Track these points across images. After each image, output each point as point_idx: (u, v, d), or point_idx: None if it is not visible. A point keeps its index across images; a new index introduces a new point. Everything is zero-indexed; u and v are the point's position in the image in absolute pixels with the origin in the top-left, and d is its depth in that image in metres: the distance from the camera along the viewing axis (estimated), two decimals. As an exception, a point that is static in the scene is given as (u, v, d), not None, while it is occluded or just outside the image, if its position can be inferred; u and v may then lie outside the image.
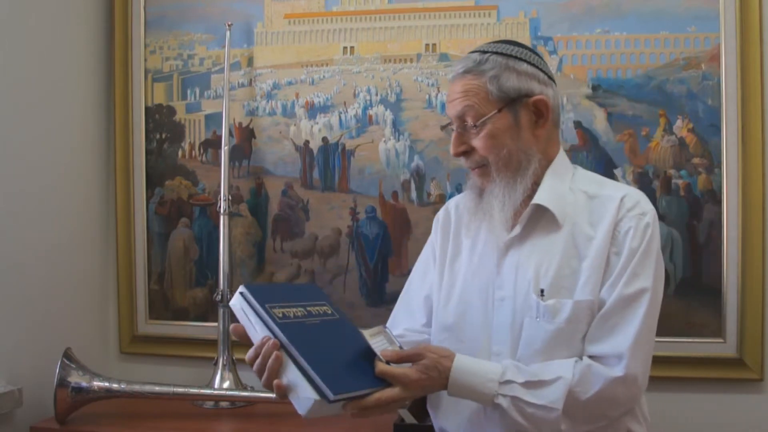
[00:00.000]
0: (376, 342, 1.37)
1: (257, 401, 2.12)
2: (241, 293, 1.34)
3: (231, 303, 1.37)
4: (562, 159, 1.53)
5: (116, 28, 2.36)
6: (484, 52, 1.50)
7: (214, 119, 2.33)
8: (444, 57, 2.18)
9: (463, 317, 1.53)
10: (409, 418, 1.82)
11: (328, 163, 2.26)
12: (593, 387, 1.35)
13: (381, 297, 2.21)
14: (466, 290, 1.54)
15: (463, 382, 1.37)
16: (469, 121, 1.46)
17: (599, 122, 2.07)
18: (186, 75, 2.36)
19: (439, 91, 2.18)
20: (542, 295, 1.43)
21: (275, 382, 1.28)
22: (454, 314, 1.54)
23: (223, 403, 2.13)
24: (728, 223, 1.98)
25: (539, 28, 2.11)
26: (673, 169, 2.03)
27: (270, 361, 1.28)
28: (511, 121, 1.47)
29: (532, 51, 1.53)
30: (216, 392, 2.13)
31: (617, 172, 2.06)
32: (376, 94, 2.23)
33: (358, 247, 2.23)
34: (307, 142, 2.27)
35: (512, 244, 1.49)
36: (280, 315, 1.32)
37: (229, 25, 2.25)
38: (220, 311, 2.17)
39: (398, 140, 2.20)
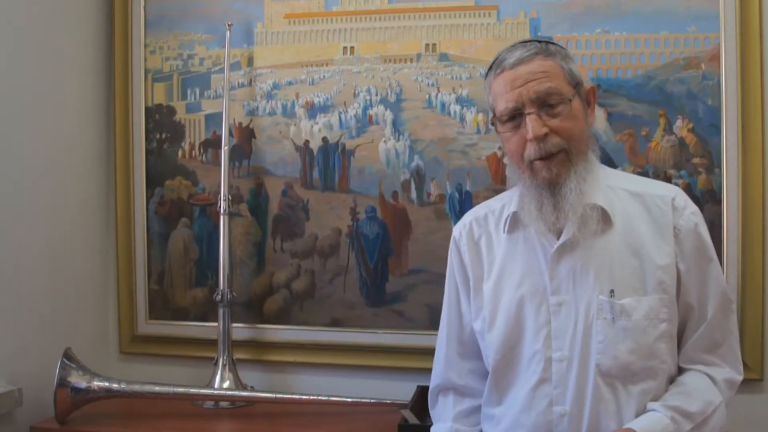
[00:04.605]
0: None
1: (257, 401, 2.13)
2: None
3: None
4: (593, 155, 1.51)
5: (116, 28, 2.36)
6: (533, 41, 1.47)
7: (214, 119, 2.33)
8: (444, 57, 2.18)
9: (514, 331, 1.50)
10: (413, 419, 1.82)
11: (328, 163, 2.26)
12: (731, 395, 1.50)
13: (381, 297, 2.21)
14: (512, 304, 1.51)
15: None
16: (554, 99, 1.41)
17: (599, 122, 2.06)
18: (186, 75, 2.36)
19: (439, 90, 2.18)
20: (613, 295, 1.43)
21: None
22: (505, 332, 1.51)
23: (223, 403, 2.13)
24: (728, 223, 1.98)
25: (539, 28, 2.11)
26: (673, 169, 2.03)
27: None
28: (581, 106, 1.46)
29: None
30: (216, 392, 2.13)
31: (617, 172, 2.06)
32: (376, 94, 2.22)
33: (358, 247, 2.23)
34: (307, 142, 2.27)
35: (564, 248, 1.46)
36: None
37: (229, 25, 2.25)
38: (220, 311, 2.17)
39: (398, 140, 2.20)
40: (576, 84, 1.45)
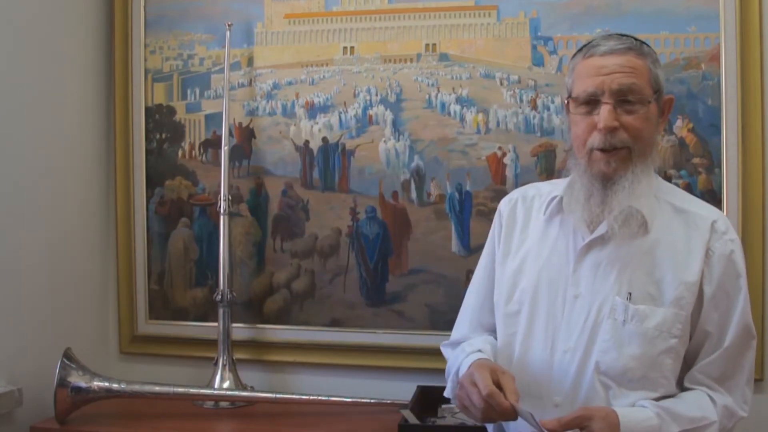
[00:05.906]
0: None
1: (257, 401, 2.13)
2: None
3: None
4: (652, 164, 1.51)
5: (116, 28, 2.36)
6: (629, 37, 1.47)
7: (214, 119, 2.33)
8: (444, 57, 2.18)
9: (526, 315, 1.51)
10: (413, 419, 1.82)
11: (328, 163, 2.26)
12: (728, 425, 1.44)
13: (381, 297, 2.21)
14: (532, 285, 1.52)
15: None
16: (634, 97, 1.41)
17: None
18: (186, 75, 2.36)
19: (439, 90, 2.18)
20: (630, 298, 1.42)
21: None
22: (516, 314, 1.52)
23: (223, 403, 2.13)
24: (728, 223, 1.98)
25: (539, 28, 2.11)
26: (673, 169, 2.03)
27: None
28: (657, 112, 1.47)
29: None
30: (216, 392, 2.13)
31: (617, 172, 2.05)
32: (376, 94, 2.22)
33: (358, 247, 2.23)
34: (307, 142, 2.27)
35: (594, 243, 1.46)
36: None
37: (229, 25, 2.25)
38: (220, 311, 2.17)
39: (398, 140, 2.20)
40: (658, 90, 1.45)
